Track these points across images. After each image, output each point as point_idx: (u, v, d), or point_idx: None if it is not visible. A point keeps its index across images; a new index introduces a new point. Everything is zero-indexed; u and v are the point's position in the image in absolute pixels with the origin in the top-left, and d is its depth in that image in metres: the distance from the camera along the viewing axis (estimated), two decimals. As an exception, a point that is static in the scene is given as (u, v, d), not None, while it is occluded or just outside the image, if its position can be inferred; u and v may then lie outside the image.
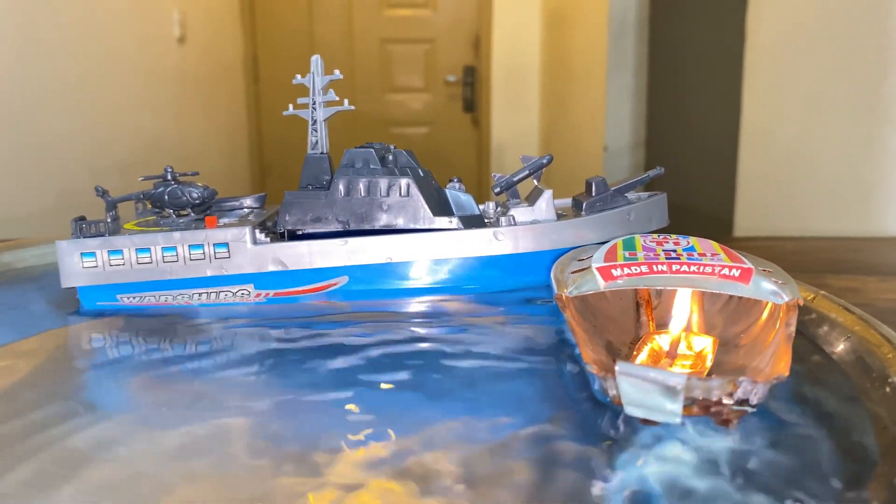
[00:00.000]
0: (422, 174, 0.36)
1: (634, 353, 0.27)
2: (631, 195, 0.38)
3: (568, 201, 0.39)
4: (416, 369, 0.29)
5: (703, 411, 0.21)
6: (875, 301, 0.50)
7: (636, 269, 0.27)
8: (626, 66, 1.69)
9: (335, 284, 0.35)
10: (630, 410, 0.21)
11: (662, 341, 0.28)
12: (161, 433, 0.24)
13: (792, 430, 0.23)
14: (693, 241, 0.30)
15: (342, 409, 0.26)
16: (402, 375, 0.29)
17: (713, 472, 0.21)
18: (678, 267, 0.27)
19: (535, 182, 0.37)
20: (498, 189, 0.37)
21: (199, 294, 0.35)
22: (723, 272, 0.26)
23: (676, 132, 1.62)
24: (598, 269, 0.28)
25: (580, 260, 0.30)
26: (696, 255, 0.28)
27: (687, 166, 1.56)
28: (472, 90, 2.16)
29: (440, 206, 0.35)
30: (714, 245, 0.29)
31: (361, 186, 0.34)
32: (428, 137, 2.17)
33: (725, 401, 0.20)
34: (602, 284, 0.27)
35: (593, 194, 0.36)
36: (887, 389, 0.24)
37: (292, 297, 0.36)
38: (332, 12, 2.11)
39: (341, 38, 2.12)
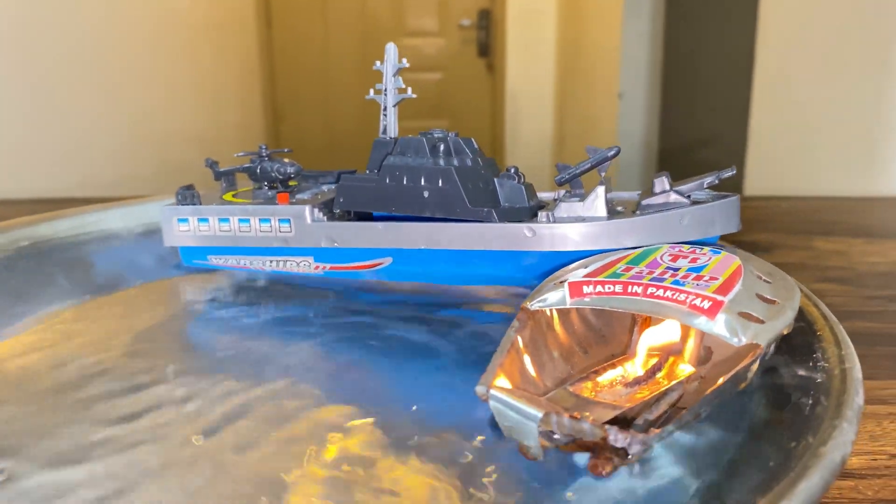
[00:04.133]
0: (469, 163, 0.36)
1: (594, 376, 0.26)
2: (700, 195, 0.35)
3: (635, 195, 0.37)
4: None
5: (582, 450, 0.20)
6: (857, 264, 0.51)
7: (610, 288, 0.26)
8: (642, 11, 1.65)
9: (381, 264, 0.37)
10: (508, 436, 0.21)
11: (635, 366, 0.26)
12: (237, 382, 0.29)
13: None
14: (715, 259, 0.28)
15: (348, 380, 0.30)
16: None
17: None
18: (654, 290, 0.25)
19: (601, 174, 0.35)
20: (560, 180, 0.35)
21: (270, 262, 0.39)
22: (693, 302, 0.24)
23: (691, 81, 1.59)
24: (570, 283, 0.27)
25: (585, 267, 0.29)
26: (690, 278, 0.26)
27: (700, 117, 1.55)
28: (486, 34, 2.12)
29: (485, 197, 0.35)
30: (732, 267, 0.27)
31: (405, 174, 0.35)
32: (441, 83, 2.15)
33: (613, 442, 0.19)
34: (568, 301, 0.26)
35: (654, 192, 0.34)
36: (811, 363, 0.25)
37: (346, 273, 0.38)
38: (344, -47, 2.07)
39: (354, -20, 2.08)
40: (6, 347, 0.33)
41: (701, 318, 0.23)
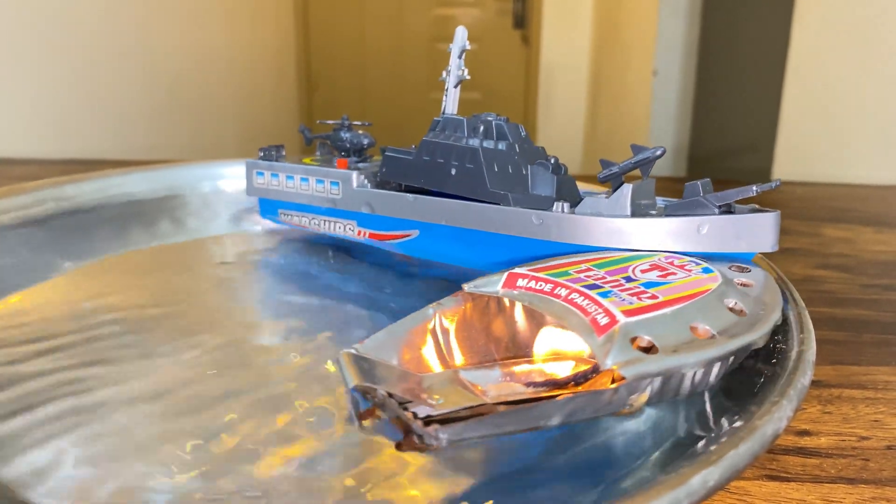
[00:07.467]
0: (503, 147, 0.35)
1: (502, 367, 0.25)
2: (741, 208, 0.31)
3: (673, 201, 0.34)
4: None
5: (399, 427, 0.20)
6: (861, 252, 0.51)
7: (540, 286, 0.25)
8: (680, -13, 1.62)
9: (409, 235, 0.39)
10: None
11: (559, 368, 0.25)
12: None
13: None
14: (692, 278, 0.26)
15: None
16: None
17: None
18: (576, 297, 0.24)
19: (645, 177, 0.33)
20: (601, 177, 0.33)
21: (325, 222, 0.43)
22: (596, 315, 0.23)
23: (726, 62, 1.56)
24: (510, 272, 0.26)
25: (544, 263, 0.28)
26: (628, 291, 0.24)
27: (733, 99, 1.52)
28: (522, 6, 2.10)
29: (512, 182, 0.35)
30: (696, 290, 0.25)
31: (438, 151, 0.37)
32: (475, 56, 2.14)
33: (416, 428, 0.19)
34: (499, 290, 0.26)
35: (685, 197, 0.31)
36: (771, 345, 0.26)
37: (381, 242, 0.40)
38: (382, -79, 2.06)
39: (391, -52, 2.08)
40: (32, 297, 0.36)
41: (592, 333, 0.22)
